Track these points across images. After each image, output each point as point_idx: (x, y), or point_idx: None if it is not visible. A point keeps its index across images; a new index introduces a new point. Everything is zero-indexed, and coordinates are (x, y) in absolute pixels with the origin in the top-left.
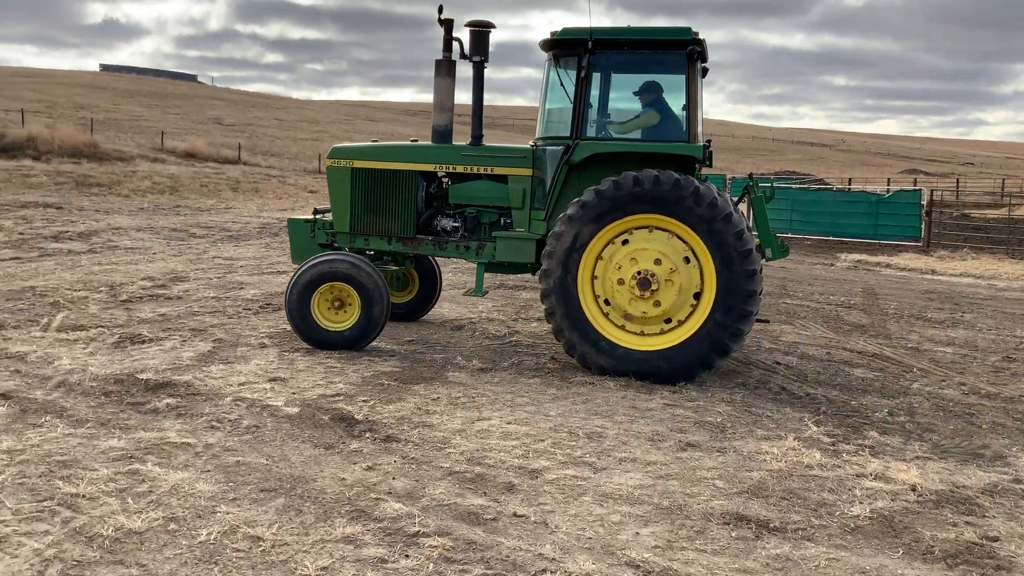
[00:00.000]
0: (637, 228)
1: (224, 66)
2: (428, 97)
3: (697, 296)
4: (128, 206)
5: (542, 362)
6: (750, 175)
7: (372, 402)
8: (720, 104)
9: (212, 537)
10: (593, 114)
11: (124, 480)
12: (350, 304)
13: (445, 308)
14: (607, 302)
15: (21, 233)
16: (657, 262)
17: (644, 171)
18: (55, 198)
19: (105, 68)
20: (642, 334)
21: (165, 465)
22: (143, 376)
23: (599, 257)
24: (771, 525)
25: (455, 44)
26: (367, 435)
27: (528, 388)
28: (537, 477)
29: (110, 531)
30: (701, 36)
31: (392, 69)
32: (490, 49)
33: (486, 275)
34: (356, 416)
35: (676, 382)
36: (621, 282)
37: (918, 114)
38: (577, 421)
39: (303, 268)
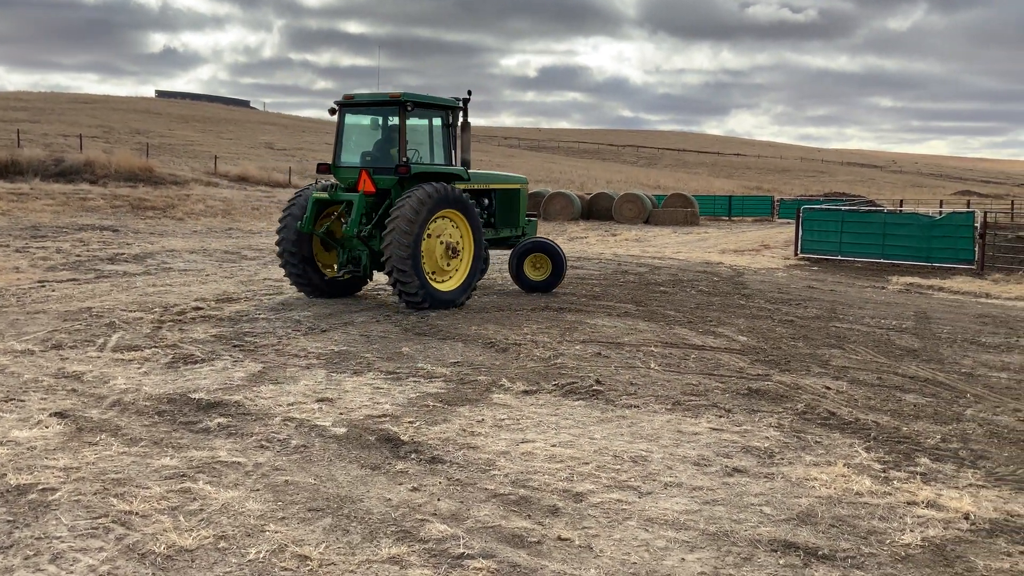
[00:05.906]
0: None
1: (276, 92)
2: (481, 122)
3: None
4: (182, 229)
5: (587, 385)
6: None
7: (417, 423)
8: (766, 126)
9: (261, 556)
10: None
11: (176, 498)
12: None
13: (490, 330)
14: None
15: (78, 255)
16: None
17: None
18: (111, 221)
19: (160, 94)
20: None
21: (216, 484)
22: (195, 396)
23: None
24: (820, 553)
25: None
26: (412, 456)
27: (572, 411)
28: (581, 500)
29: (162, 548)
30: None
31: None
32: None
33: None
34: (402, 437)
35: None
36: None
37: (968, 135)
38: (622, 444)
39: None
